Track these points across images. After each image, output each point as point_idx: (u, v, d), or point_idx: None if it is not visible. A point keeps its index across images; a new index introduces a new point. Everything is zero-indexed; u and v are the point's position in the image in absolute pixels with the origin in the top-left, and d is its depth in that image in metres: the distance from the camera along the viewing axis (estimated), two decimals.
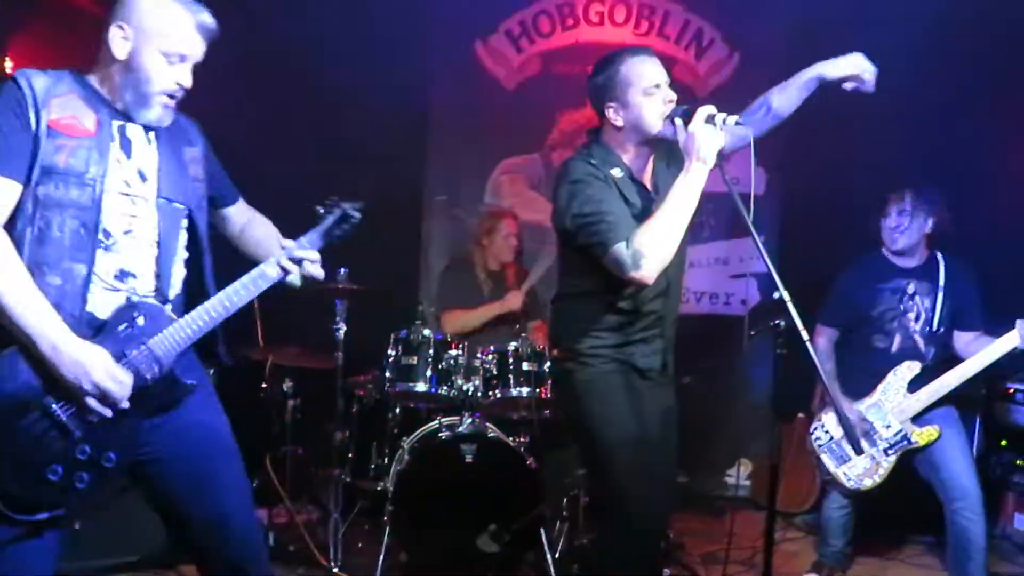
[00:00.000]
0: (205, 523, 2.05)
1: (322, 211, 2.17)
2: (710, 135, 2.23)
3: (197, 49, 1.99)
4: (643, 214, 2.35)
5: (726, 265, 5.18)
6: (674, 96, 2.38)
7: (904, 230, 3.44)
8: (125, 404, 1.90)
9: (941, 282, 3.45)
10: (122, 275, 1.94)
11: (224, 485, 2.07)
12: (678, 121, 2.30)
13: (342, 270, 3.66)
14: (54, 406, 1.84)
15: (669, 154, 2.50)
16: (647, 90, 2.36)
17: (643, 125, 2.38)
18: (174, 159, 2.06)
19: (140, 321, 1.95)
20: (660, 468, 2.44)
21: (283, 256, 2.06)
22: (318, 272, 2.10)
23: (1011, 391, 4.53)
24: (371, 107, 4.81)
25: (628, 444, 2.37)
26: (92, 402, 1.86)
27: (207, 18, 1.99)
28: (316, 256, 2.09)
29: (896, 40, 4.60)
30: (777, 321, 2.07)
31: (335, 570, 3.55)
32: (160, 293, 2.02)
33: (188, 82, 1.99)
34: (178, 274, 2.09)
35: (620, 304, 2.41)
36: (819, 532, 3.85)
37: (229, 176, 2.31)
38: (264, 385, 3.87)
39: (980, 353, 3.25)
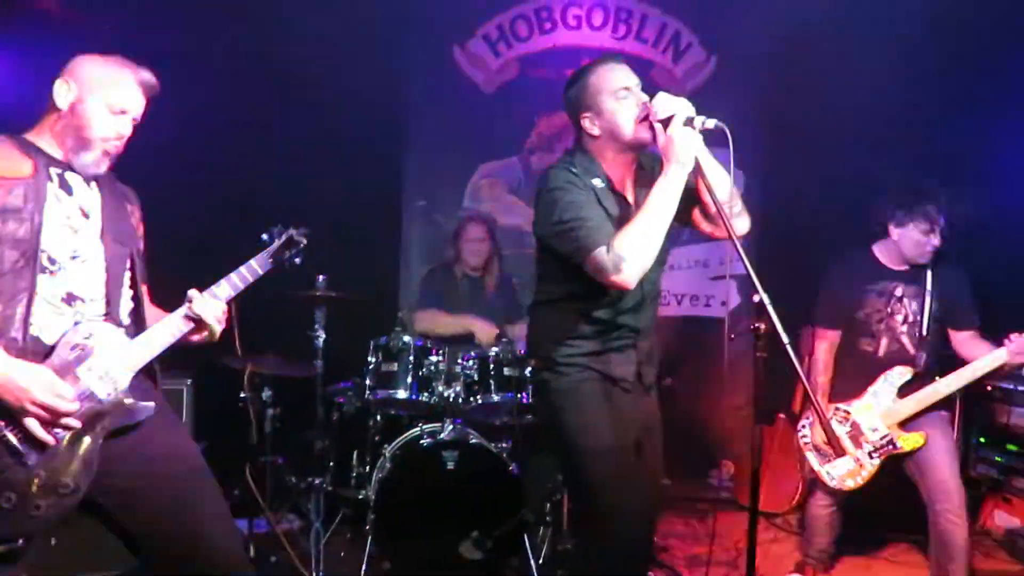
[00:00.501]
0: (187, 547, 2.03)
1: (266, 237, 2.23)
2: (689, 138, 2.22)
3: (137, 104, 2.10)
4: (621, 225, 2.34)
5: (706, 267, 5.19)
6: (646, 99, 2.36)
7: (937, 247, 3.38)
8: (75, 423, 1.89)
9: (929, 286, 3.44)
10: (70, 299, 1.98)
11: (202, 506, 2.07)
12: (657, 125, 2.29)
13: (321, 277, 3.63)
14: (6, 432, 1.83)
15: (653, 169, 2.48)
16: (618, 94, 2.36)
17: (618, 130, 2.37)
18: (117, 205, 2.15)
19: (92, 342, 1.97)
20: (642, 476, 2.41)
21: (188, 308, 2.10)
22: (220, 321, 2.14)
23: (990, 389, 4.57)
24: (349, 113, 4.79)
25: (605, 453, 2.35)
26: (33, 424, 1.85)
27: (148, 76, 2.12)
28: (222, 306, 2.13)
29: (872, 42, 4.68)
30: (757, 324, 2.07)
31: None
32: (111, 317, 2.06)
33: (127, 132, 2.09)
34: (126, 303, 2.14)
35: (596, 313, 2.40)
36: (804, 531, 3.86)
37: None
38: (243, 394, 3.82)
39: (972, 366, 3.26)
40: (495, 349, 3.70)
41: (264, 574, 3.59)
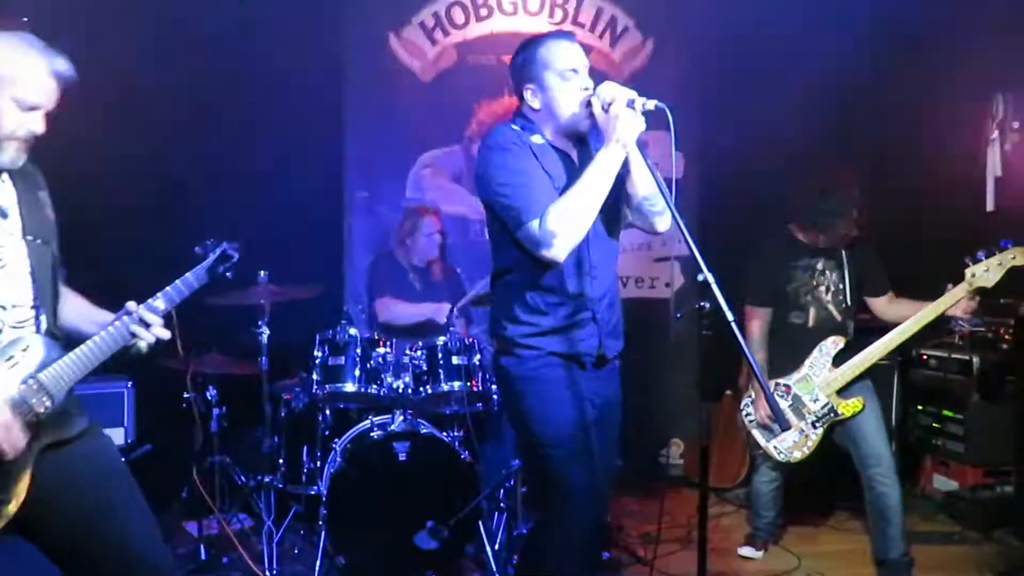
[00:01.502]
0: (109, 553, 1.97)
1: (201, 251, 2.15)
2: (630, 119, 2.23)
3: (50, 97, 1.93)
4: (559, 178, 2.34)
5: (649, 249, 5.24)
6: (591, 84, 2.36)
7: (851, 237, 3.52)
8: (15, 451, 1.82)
9: (844, 259, 3.57)
10: None
11: (123, 509, 2.00)
12: (595, 102, 2.28)
13: (262, 273, 3.58)
14: None
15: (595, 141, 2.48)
16: (563, 73, 2.35)
17: (557, 109, 2.36)
18: (31, 199, 2.01)
19: (28, 354, 1.89)
20: (600, 459, 2.39)
21: (130, 320, 1.99)
22: (164, 335, 2.04)
23: (925, 357, 4.73)
24: (288, 105, 4.71)
25: (565, 441, 2.33)
26: None
27: (62, 65, 1.93)
28: (160, 320, 2.02)
29: (807, 22, 4.77)
30: (702, 303, 2.09)
31: None
32: (41, 324, 1.96)
33: (39, 129, 1.93)
34: (52, 308, 2.02)
35: (542, 282, 2.36)
36: (751, 506, 3.95)
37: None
38: (187, 395, 3.75)
39: (900, 328, 3.33)
40: (443, 338, 3.69)
41: (217, 575, 3.54)
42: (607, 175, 2.25)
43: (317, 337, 3.71)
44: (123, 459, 2.10)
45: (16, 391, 1.84)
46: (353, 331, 3.68)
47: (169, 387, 3.67)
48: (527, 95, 2.41)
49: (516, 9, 5.30)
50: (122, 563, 1.98)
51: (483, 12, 5.29)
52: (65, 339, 2.02)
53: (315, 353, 3.67)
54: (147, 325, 1.99)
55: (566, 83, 2.35)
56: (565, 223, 2.22)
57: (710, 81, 5.14)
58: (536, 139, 2.38)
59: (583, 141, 2.47)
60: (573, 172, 2.37)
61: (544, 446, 2.36)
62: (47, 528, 1.94)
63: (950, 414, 4.58)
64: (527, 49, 2.41)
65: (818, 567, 3.68)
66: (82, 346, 1.94)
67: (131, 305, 2.01)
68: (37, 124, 1.92)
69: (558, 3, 5.31)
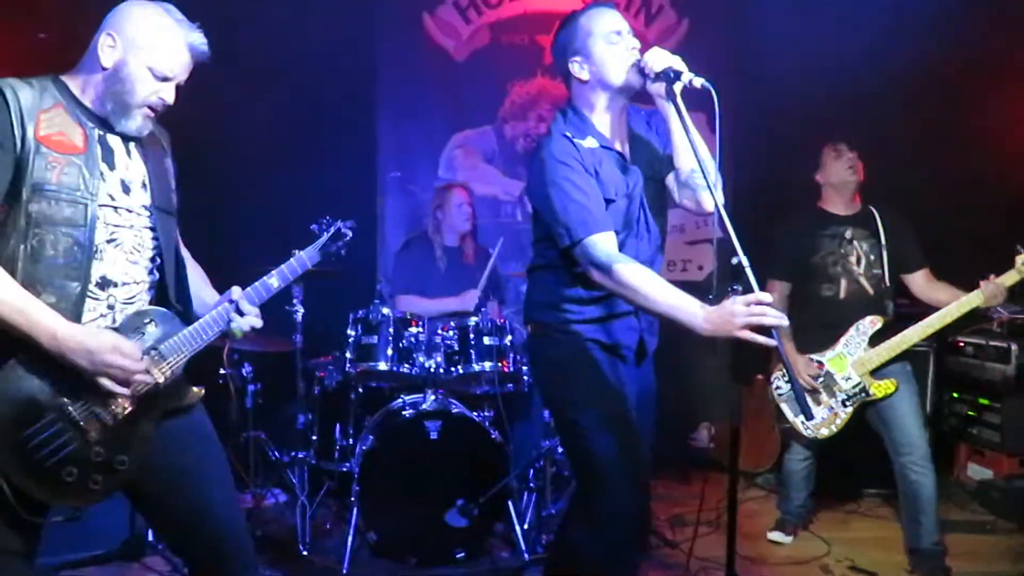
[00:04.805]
0: (189, 515, 2.03)
1: (317, 229, 2.21)
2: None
3: (184, 69, 1.97)
4: (614, 184, 2.31)
5: (682, 232, 5.22)
6: (638, 44, 2.32)
7: (855, 162, 3.56)
8: (147, 378, 1.89)
9: (882, 236, 3.54)
10: (104, 283, 1.91)
11: (208, 475, 2.07)
12: (657, 86, 2.24)
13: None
14: (70, 407, 1.83)
15: (650, 116, 2.45)
16: (608, 37, 2.31)
17: (607, 75, 2.32)
18: (159, 170, 2.05)
19: (151, 327, 1.96)
20: (639, 445, 2.36)
21: (231, 307, 2.05)
22: (257, 323, 2.09)
23: (961, 344, 4.66)
24: (321, 85, 4.74)
25: (603, 425, 2.30)
26: (107, 382, 1.83)
27: (199, 39, 1.98)
28: (255, 310, 2.08)
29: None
30: (735, 286, 2.08)
31: (304, 553, 3.54)
32: (163, 299, 2.02)
33: (171, 98, 1.96)
34: (175, 281, 2.07)
35: (586, 276, 2.32)
36: (780, 489, 3.94)
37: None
38: (223, 371, 3.82)
39: (941, 312, 3.31)
40: (474, 319, 3.70)
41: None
42: (674, 317, 2.16)
43: (350, 316, 3.74)
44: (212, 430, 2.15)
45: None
46: (386, 310, 3.71)
47: (206, 363, 3.71)
48: (574, 68, 2.36)
49: None
50: (203, 529, 2.04)
51: None
52: (182, 312, 2.06)
53: (348, 332, 3.71)
54: (242, 314, 2.04)
55: (612, 46, 2.31)
56: (623, 285, 2.18)
57: (745, 60, 5.07)
58: (589, 143, 2.32)
59: (635, 137, 2.43)
60: (627, 172, 2.35)
61: (581, 427, 2.34)
62: (151, 490, 2.01)
63: (986, 402, 4.51)
64: (567, 24, 2.39)
65: (848, 553, 3.66)
66: (196, 325, 2.01)
67: (235, 291, 2.06)
68: (168, 94, 1.95)
69: None
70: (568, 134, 2.32)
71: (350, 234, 2.22)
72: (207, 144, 4.57)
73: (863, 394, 3.43)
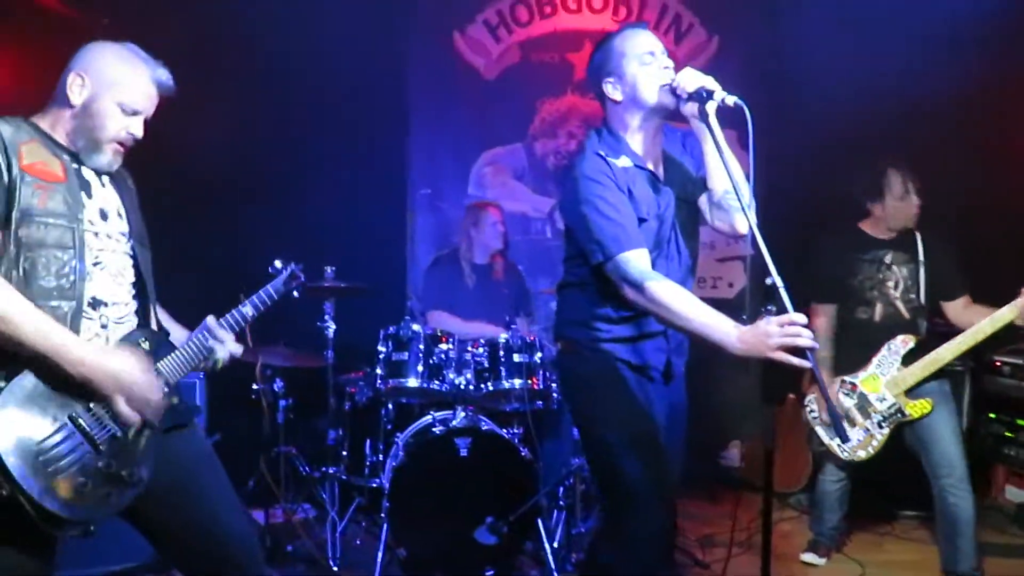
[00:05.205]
0: (197, 529, 2.07)
1: (271, 271, 2.36)
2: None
3: (151, 103, 2.06)
4: (647, 203, 2.32)
5: (713, 249, 5.19)
6: (671, 64, 2.33)
7: (919, 207, 3.46)
8: (160, 402, 1.96)
9: (921, 257, 3.48)
10: (95, 303, 1.97)
11: (209, 488, 2.11)
12: (689, 107, 2.24)
13: (329, 269, 3.65)
14: (81, 419, 1.87)
15: (684, 136, 2.46)
16: (641, 58, 2.32)
17: (640, 95, 2.32)
18: (131, 203, 2.13)
19: (146, 346, 2.03)
20: (667, 464, 2.36)
21: (207, 336, 2.17)
22: (236, 350, 2.23)
23: (998, 364, 4.57)
24: (352, 104, 4.80)
25: (631, 443, 2.30)
26: (122, 406, 1.89)
27: (164, 74, 2.06)
28: (231, 336, 2.21)
29: (871, 20, 4.66)
30: (769, 306, 2.07)
31: (334, 568, 3.55)
32: (138, 322, 2.08)
33: (139, 133, 2.05)
34: (154, 306, 2.16)
35: (616, 295, 2.31)
36: (813, 510, 3.89)
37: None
38: (255, 386, 3.86)
39: (974, 328, 3.25)
40: (504, 336, 3.71)
41: (281, 563, 3.62)
42: (707, 335, 2.15)
43: (381, 332, 3.76)
44: (207, 444, 2.24)
45: None
46: (416, 327, 3.73)
47: (239, 379, 3.77)
48: (608, 89, 2.37)
49: (580, 6, 5.30)
50: (211, 541, 2.08)
51: (547, 9, 5.31)
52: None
53: (379, 348, 3.73)
54: (221, 341, 2.16)
55: (646, 67, 2.31)
56: (655, 302, 2.16)
57: (774, 79, 5.06)
58: (623, 162, 2.33)
59: (669, 158, 2.44)
60: (659, 192, 2.36)
61: (609, 445, 2.34)
62: (149, 505, 2.03)
63: None
64: (602, 45, 2.41)
65: None
66: (189, 342, 2.12)
67: (209, 321, 2.18)
68: (137, 128, 2.04)
69: (622, 0, 5.29)
70: (601, 152, 2.33)
71: (303, 278, 2.40)
72: (238, 161, 4.65)
73: (899, 414, 3.38)
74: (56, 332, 1.82)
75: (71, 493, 1.83)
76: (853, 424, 3.44)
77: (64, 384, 1.84)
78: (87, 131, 1.98)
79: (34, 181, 1.87)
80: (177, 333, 2.22)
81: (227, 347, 2.19)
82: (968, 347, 3.28)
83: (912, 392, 3.38)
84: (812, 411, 3.57)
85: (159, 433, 2.01)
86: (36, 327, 1.79)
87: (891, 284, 3.49)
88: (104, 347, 1.91)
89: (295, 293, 2.38)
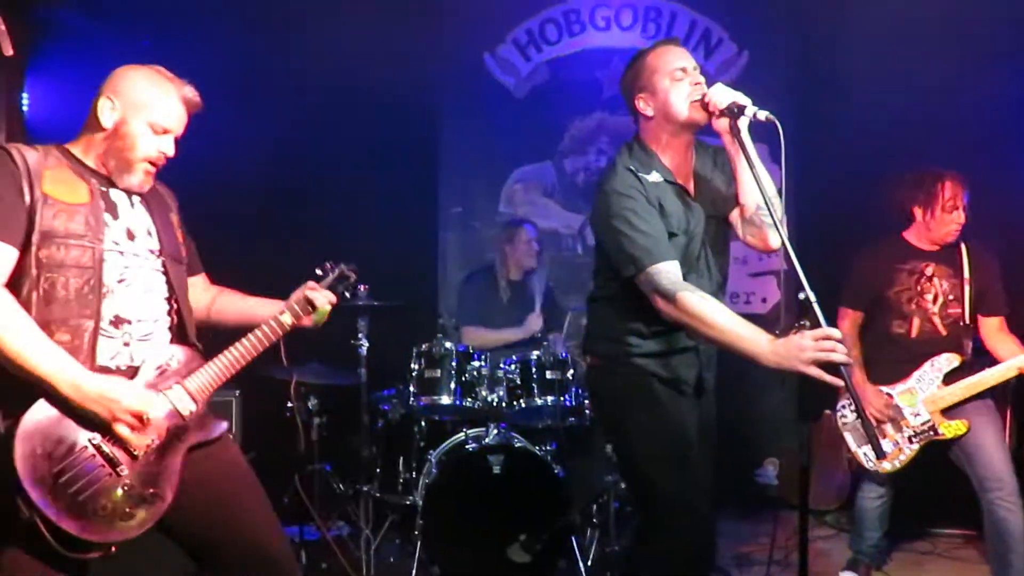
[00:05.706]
0: (238, 546, 2.09)
1: (320, 273, 2.39)
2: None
3: (180, 122, 2.11)
4: (677, 219, 2.32)
5: (745, 264, 5.16)
6: (702, 79, 2.33)
7: (963, 224, 3.38)
8: (162, 423, 1.96)
9: (966, 273, 3.40)
10: (117, 321, 2.00)
11: (250, 505, 2.14)
12: (721, 122, 2.24)
13: (362, 287, 3.68)
14: (98, 440, 1.90)
15: (716, 153, 2.46)
16: (673, 74, 2.32)
17: (671, 110, 2.32)
18: (165, 222, 2.17)
19: (173, 363, 2.06)
20: (701, 480, 2.34)
21: (301, 299, 2.25)
22: (332, 296, 2.31)
23: None
24: (382, 123, 4.85)
25: (664, 458, 2.29)
26: (125, 431, 1.90)
27: (190, 91, 2.12)
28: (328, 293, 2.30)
29: (901, 31, 4.62)
30: (803, 321, 2.05)
31: None
32: (181, 338, 2.13)
33: (171, 152, 2.10)
34: (190, 321, 2.19)
35: (648, 310, 2.29)
36: (852, 527, 3.82)
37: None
38: (290, 404, 3.89)
39: (1019, 358, 3.19)
40: (536, 353, 3.71)
41: None
42: (739, 347, 2.13)
43: (414, 350, 3.78)
44: (247, 464, 2.23)
45: (166, 397, 2.01)
46: (449, 344, 3.75)
47: (273, 397, 3.81)
48: (640, 104, 2.37)
49: (609, 24, 5.32)
50: (253, 557, 2.11)
51: (576, 28, 5.34)
52: (207, 346, 2.19)
53: (412, 365, 3.75)
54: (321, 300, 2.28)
55: (677, 83, 2.31)
56: (688, 314, 2.14)
57: (805, 92, 5.03)
58: (654, 177, 2.33)
59: (700, 174, 2.44)
60: (689, 208, 2.36)
61: (642, 460, 2.34)
62: (186, 522, 2.07)
63: None
64: (634, 61, 2.42)
65: None
66: (219, 357, 2.13)
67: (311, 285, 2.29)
68: (168, 147, 2.09)
69: (651, 17, 5.30)
70: (632, 168, 2.33)
71: (354, 276, 2.43)
72: (273, 182, 4.72)
73: (931, 432, 3.30)
74: (52, 357, 1.84)
75: (91, 515, 1.86)
76: (883, 435, 3.38)
77: (81, 408, 1.87)
78: (118, 152, 2.03)
79: (56, 204, 1.93)
80: (265, 308, 2.28)
81: (322, 295, 2.27)
82: (1014, 375, 3.22)
83: (949, 412, 3.31)
84: (843, 417, 3.51)
85: (184, 451, 2.03)
86: (36, 353, 1.83)
87: (930, 297, 3.41)
88: (104, 375, 1.91)
89: (347, 295, 2.39)
